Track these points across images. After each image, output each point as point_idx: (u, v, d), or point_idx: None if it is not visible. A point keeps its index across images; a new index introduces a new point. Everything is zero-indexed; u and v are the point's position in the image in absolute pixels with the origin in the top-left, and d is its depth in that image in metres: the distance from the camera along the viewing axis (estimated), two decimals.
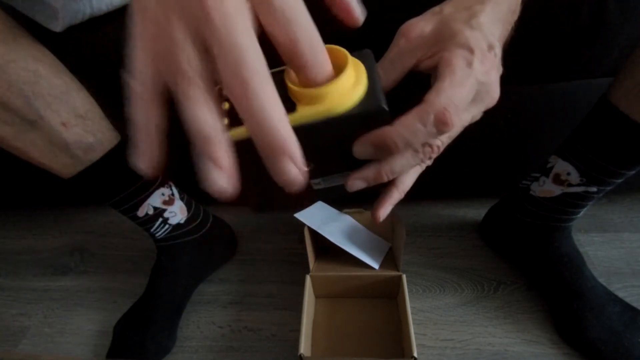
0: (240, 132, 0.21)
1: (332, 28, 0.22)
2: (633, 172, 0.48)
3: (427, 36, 0.27)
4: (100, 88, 0.50)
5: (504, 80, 0.27)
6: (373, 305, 0.62)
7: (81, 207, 0.91)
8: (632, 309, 0.56)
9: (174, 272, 0.65)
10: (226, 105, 0.22)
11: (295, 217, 0.61)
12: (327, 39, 0.20)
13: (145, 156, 0.21)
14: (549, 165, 0.54)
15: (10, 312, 0.72)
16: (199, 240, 0.67)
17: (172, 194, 0.61)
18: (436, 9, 0.29)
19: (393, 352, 0.56)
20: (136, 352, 0.59)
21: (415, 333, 0.50)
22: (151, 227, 0.61)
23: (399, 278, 0.58)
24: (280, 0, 0.18)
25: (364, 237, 0.66)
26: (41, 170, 0.49)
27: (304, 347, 0.50)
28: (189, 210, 0.65)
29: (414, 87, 0.29)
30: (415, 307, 0.63)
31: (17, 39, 0.40)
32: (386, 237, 0.68)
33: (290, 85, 0.22)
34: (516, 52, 0.34)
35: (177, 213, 0.62)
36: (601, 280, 0.59)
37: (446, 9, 0.28)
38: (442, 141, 0.27)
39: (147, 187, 0.57)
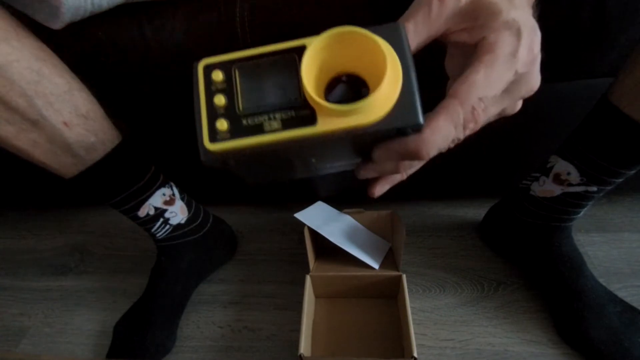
0: (246, 142, 0.20)
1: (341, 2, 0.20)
2: (633, 171, 0.48)
3: (465, 4, 0.24)
4: (101, 87, 0.50)
5: None
6: (373, 305, 0.62)
7: (81, 207, 0.91)
8: (632, 309, 0.56)
9: (174, 272, 0.65)
10: (222, 101, 0.21)
11: (295, 217, 0.61)
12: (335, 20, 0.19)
13: None
14: (549, 165, 0.54)
15: (10, 312, 0.72)
16: (199, 240, 0.67)
17: (173, 194, 0.61)
18: None
19: (393, 352, 0.56)
20: (136, 352, 0.59)
21: (415, 333, 0.50)
22: (152, 227, 0.61)
23: (399, 278, 0.58)
24: None
25: (364, 237, 0.66)
26: (41, 170, 0.49)
27: (304, 347, 0.50)
28: (189, 211, 0.65)
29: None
30: (415, 307, 0.63)
31: (20, 38, 0.40)
32: (386, 237, 0.68)
33: (309, 92, 0.19)
34: None
35: (178, 213, 0.62)
36: (601, 280, 0.59)
37: None
38: (464, 135, 0.24)
39: (149, 187, 0.57)
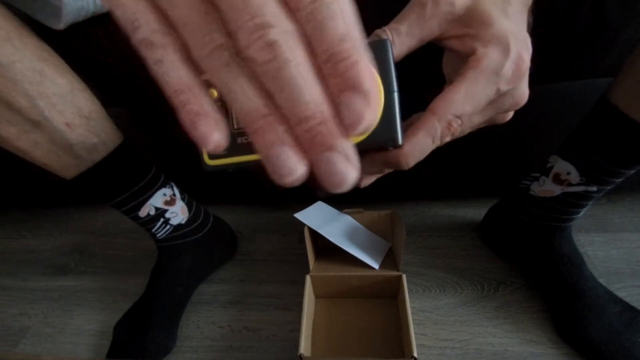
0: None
1: None
2: (633, 171, 0.48)
3: (459, 10, 0.24)
4: (101, 87, 0.50)
5: None
6: (373, 305, 0.62)
7: (81, 207, 0.91)
8: (632, 309, 0.56)
9: (174, 272, 0.65)
10: (214, 93, 0.20)
11: (295, 217, 0.61)
12: None
13: (210, 119, 0.15)
14: (548, 165, 0.54)
15: (10, 312, 0.72)
16: (199, 240, 0.67)
17: (174, 194, 0.61)
18: None
19: (393, 352, 0.56)
20: (136, 352, 0.59)
21: (415, 333, 0.50)
22: (152, 227, 0.61)
23: (399, 278, 0.58)
24: None
25: (364, 237, 0.66)
26: (42, 170, 0.49)
27: (304, 347, 0.50)
28: (190, 211, 0.65)
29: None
30: (415, 307, 0.63)
31: (22, 38, 0.40)
32: (386, 237, 0.68)
33: None
34: None
35: (179, 213, 0.62)
36: (601, 280, 0.59)
37: None
38: (442, 144, 0.25)
39: (149, 187, 0.57)
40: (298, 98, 0.14)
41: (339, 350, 0.57)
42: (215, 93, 0.20)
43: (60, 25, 0.44)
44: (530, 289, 0.63)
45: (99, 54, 0.52)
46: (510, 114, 0.27)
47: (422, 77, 0.48)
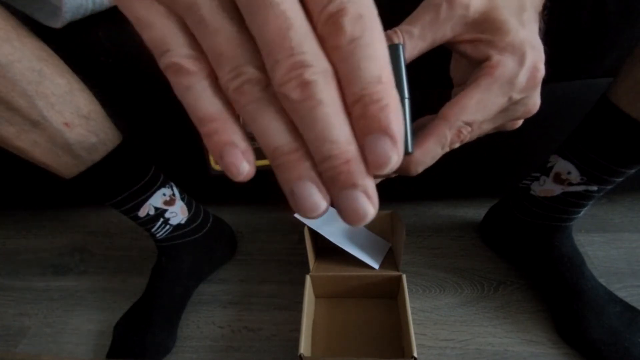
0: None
1: None
2: (633, 170, 0.48)
3: (474, 14, 0.23)
4: (101, 87, 0.50)
5: None
6: (373, 305, 0.62)
7: (81, 207, 0.91)
8: (632, 309, 0.56)
9: (174, 272, 0.65)
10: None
11: (295, 217, 0.61)
12: None
13: (238, 150, 0.15)
14: (549, 165, 0.54)
15: (10, 312, 0.72)
16: (199, 240, 0.67)
17: (174, 194, 0.61)
18: None
19: (393, 352, 0.56)
20: (136, 352, 0.59)
21: (415, 333, 0.50)
22: (152, 227, 0.61)
23: (399, 278, 0.58)
24: None
25: (364, 237, 0.66)
26: (41, 170, 0.49)
27: (304, 347, 0.50)
28: (189, 211, 0.65)
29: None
30: (415, 307, 0.63)
31: (21, 38, 0.40)
32: (386, 237, 0.68)
33: None
34: None
35: (178, 213, 0.62)
36: (601, 280, 0.59)
37: None
38: (449, 150, 0.25)
39: (149, 187, 0.57)
40: (327, 137, 0.14)
41: (339, 350, 0.57)
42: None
43: (59, 24, 0.44)
44: (530, 289, 0.63)
45: (99, 54, 0.52)
46: (520, 122, 0.26)
47: (427, 77, 0.48)
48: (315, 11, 0.13)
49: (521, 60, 0.22)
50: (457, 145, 0.23)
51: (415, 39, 0.23)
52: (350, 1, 0.13)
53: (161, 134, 0.66)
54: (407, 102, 0.21)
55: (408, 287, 0.57)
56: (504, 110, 0.24)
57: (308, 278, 0.59)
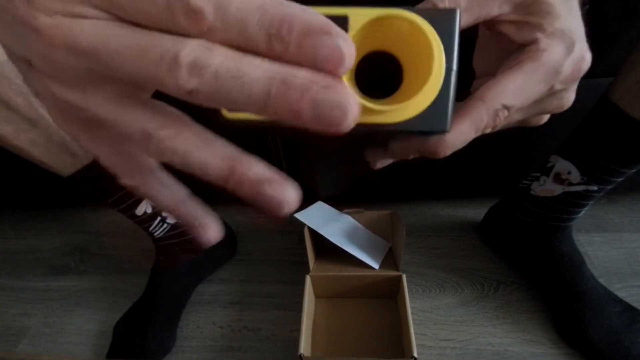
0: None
1: None
2: (634, 170, 0.48)
3: None
4: None
5: None
6: (373, 305, 0.62)
7: (81, 207, 0.91)
8: (632, 309, 0.56)
9: (173, 272, 0.65)
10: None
11: (295, 217, 0.61)
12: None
13: (211, 223, 0.15)
14: (549, 165, 0.54)
15: (10, 312, 0.72)
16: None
17: None
18: None
19: (393, 352, 0.56)
20: (136, 352, 0.59)
21: (415, 333, 0.50)
22: (149, 226, 0.61)
23: (399, 278, 0.58)
24: None
25: (364, 237, 0.66)
26: (41, 170, 0.49)
27: (304, 347, 0.50)
28: None
29: None
30: (415, 307, 0.63)
31: None
32: (386, 237, 0.68)
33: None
34: None
35: None
36: (601, 280, 0.59)
37: None
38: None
39: None
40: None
41: (339, 350, 0.57)
42: None
43: None
44: (530, 289, 0.63)
45: None
46: (546, 118, 0.25)
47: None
48: None
49: (569, 49, 0.21)
50: (488, 130, 0.22)
51: (462, 12, 0.21)
52: None
53: None
54: (453, 74, 0.19)
55: (408, 287, 0.57)
56: (539, 101, 0.22)
57: (308, 278, 0.59)
